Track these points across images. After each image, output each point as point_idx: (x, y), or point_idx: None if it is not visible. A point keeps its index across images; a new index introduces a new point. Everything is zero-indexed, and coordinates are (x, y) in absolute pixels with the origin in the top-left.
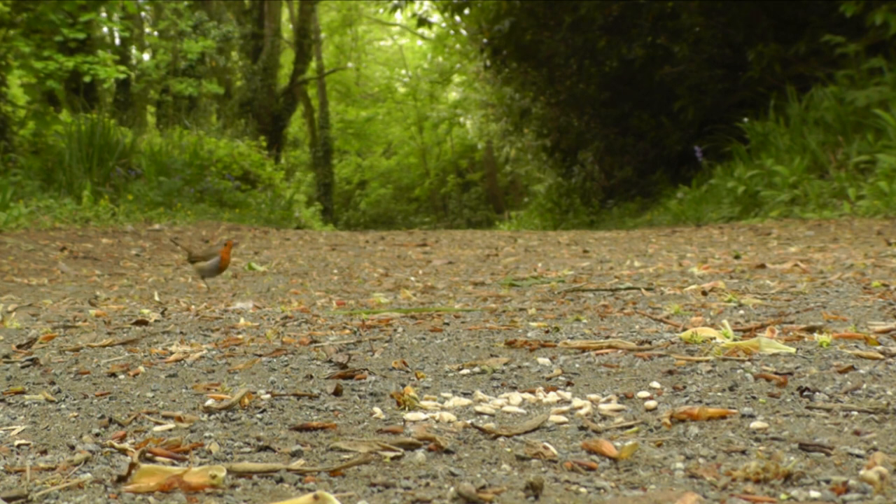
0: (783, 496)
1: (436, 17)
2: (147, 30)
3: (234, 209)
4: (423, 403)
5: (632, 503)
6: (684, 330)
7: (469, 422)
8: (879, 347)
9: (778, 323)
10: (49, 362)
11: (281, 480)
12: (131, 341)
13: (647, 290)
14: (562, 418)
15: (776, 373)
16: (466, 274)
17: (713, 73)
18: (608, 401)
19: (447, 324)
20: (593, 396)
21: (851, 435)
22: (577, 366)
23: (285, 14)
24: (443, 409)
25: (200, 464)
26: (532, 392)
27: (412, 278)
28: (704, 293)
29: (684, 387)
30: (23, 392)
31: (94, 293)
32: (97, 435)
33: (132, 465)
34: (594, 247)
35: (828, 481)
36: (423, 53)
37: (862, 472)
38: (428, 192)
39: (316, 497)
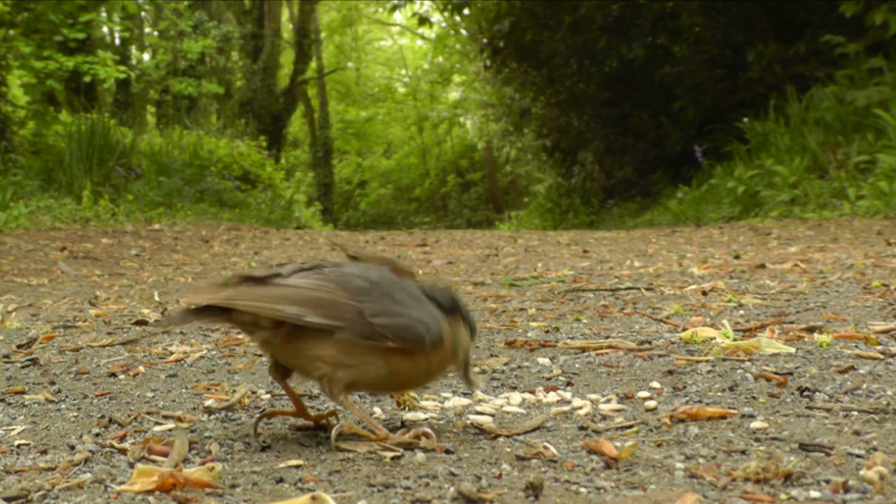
0: (783, 496)
1: (436, 17)
2: (147, 30)
3: (234, 209)
4: (423, 403)
5: (632, 503)
6: (684, 330)
7: (469, 422)
8: (879, 347)
9: (778, 323)
10: (49, 362)
11: (281, 480)
12: (131, 341)
13: (647, 290)
14: (562, 418)
15: (776, 373)
16: (466, 274)
17: (713, 73)
18: (608, 401)
19: None
20: (593, 396)
21: (851, 435)
22: (577, 366)
23: (285, 14)
24: (443, 408)
25: (201, 464)
26: (532, 392)
27: None
28: (704, 293)
29: (684, 387)
30: (23, 392)
31: (94, 293)
32: (97, 435)
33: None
34: (594, 247)
35: (828, 481)
36: (423, 53)
37: (862, 472)
38: (428, 192)
39: (314, 498)
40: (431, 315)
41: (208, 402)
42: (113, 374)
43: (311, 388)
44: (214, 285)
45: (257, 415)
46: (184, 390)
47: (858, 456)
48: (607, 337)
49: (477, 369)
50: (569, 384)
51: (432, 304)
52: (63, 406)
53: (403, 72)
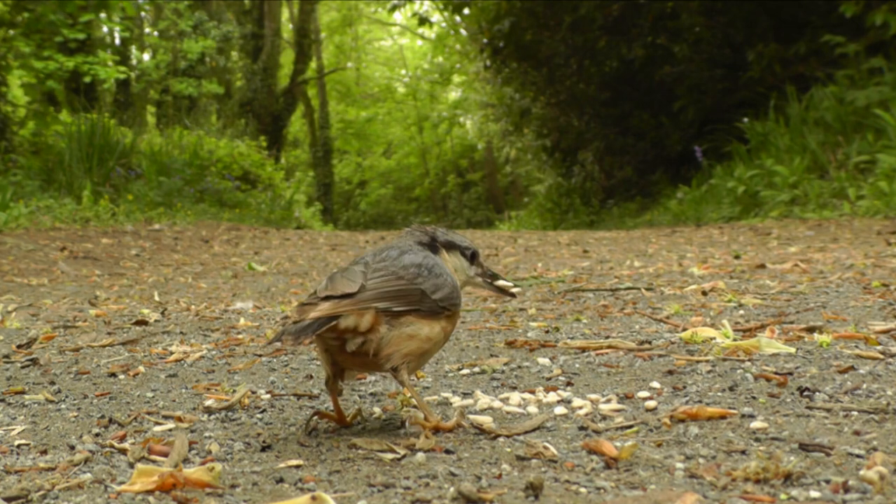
0: (783, 496)
1: (436, 17)
2: (147, 30)
3: (234, 209)
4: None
5: (632, 503)
6: (684, 330)
7: (469, 422)
8: (879, 347)
9: (778, 323)
10: (49, 362)
11: (281, 480)
12: (131, 341)
13: (647, 290)
14: (562, 418)
15: (776, 373)
16: None
17: (713, 73)
18: (608, 401)
19: None
20: (593, 396)
21: (851, 435)
22: (577, 366)
23: (285, 14)
24: (443, 408)
25: (201, 464)
26: (532, 392)
27: None
28: (704, 293)
29: (684, 387)
30: (23, 392)
31: (94, 293)
32: (97, 435)
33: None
34: (594, 247)
35: (828, 481)
36: (423, 53)
37: (862, 472)
38: (428, 192)
39: (314, 498)
40: (453, 276)
41: (208, 402)
42: (113, 374)
43: (310, 388)
44: (306, 305)
45: (309, 412)
46: (184, 390)
47: (858, 456)
48: (607, 337)
49: (477, 368)
50: (569, 384)
51: (427, 250)
52: (63, 406)
53: (403, 72)
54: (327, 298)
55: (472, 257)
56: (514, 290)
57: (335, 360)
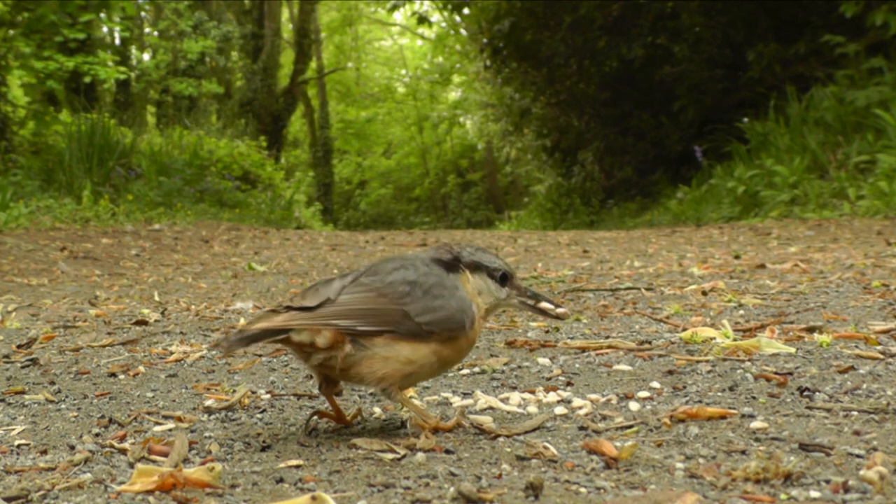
0: (783, 496)
1: (436, 17)
2: (147, 30)
3: (234, 209)
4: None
5: (632, 503)
6: (684, 330)
7: (469, 422)
8: (879, 347)
9: (778, 323)
10: (49, 362)
11: (281, 480)
12: (131, 341)
13: (647, 290)
14: (562, 418)
15: (776, 373)
16: None
17: (713, 73)
18: (608, 401)
19: None
20: (593, 396)
21: (851, 435)
22: (577, 366)
23: (285, 14)
24: (444, 408)
25: (201, 464)
26: (532, 392)
27: None
28: (704, 293)
29: (684, 387)
30: (23, 392)
31: (94, 293)
32: (97, 435)
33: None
34: (594, 247)
35: (828, 481)
36: (423, 53)
37: (862, 472)
38: (428, 192)
39: (314, 498)
40: (463, 299)
41: (208, 402)
42: (113, 374)
43: (310, 388)
44: (269, 312)
45: (309, 412)
46: (184, 390)
47: (858, 456)
48: (607, 337)
49: (477, 368)
50: (569, 384)
51: (442, 269)
52: (63, 406)
53: (403, 72)
54: (289, 309)
55: (503, 279)
56: (560, 310)
57: (315, 370)
